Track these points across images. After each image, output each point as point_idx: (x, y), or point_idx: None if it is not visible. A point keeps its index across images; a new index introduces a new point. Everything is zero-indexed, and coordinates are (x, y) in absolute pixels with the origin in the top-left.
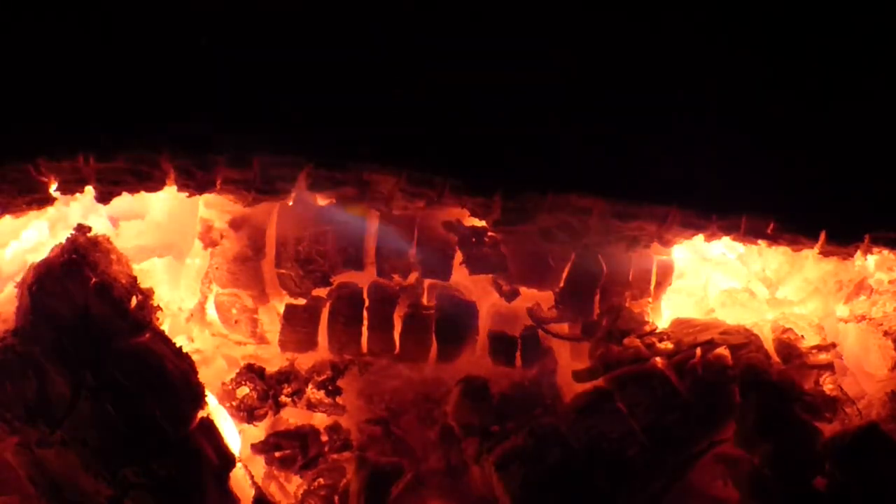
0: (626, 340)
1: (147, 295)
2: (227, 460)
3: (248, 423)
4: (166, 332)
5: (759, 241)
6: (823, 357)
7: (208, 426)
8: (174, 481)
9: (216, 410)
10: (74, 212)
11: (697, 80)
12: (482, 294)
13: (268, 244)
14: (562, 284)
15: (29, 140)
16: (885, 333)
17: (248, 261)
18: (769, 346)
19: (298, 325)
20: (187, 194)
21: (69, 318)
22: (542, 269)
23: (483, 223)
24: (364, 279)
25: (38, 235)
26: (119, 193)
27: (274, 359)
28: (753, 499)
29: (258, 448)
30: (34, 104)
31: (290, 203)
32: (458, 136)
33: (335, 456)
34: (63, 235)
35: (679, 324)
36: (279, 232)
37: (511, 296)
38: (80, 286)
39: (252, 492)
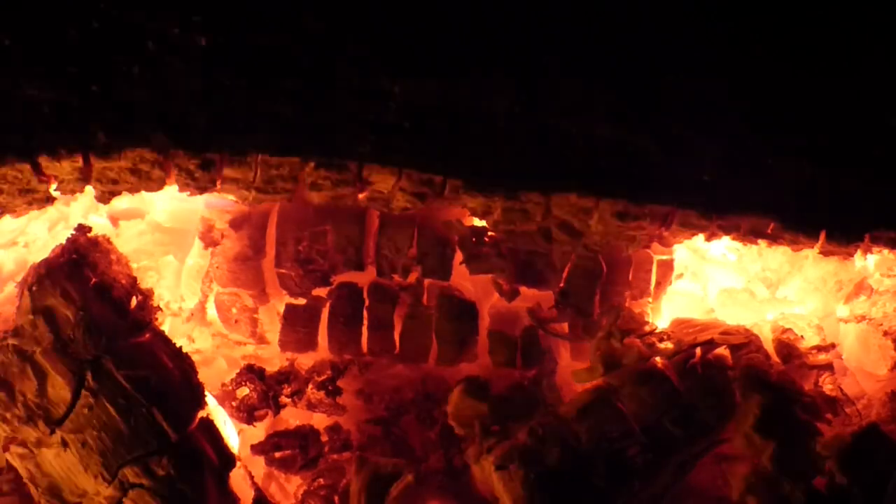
0: (626, 340)
1: (147, 295)
2: (227, 460)
3: (248, 423)
4: (166, 332)
5: (759, 241)
6: (823, 357)
7: (208, 426)
8: (174, 481)
9: (216, 410)
10: (74, 212)
11: (697, 80)
12: (482, 294)
13: (268, 244)
14: (562, 284)
15: (29, 140)
16: (885, 333)
17: (248, 260)
18: (769, 346)
19: (298, 325)
20: (187, 194)
21: (69, 319)
22: (542, 269)
23: (483, 223)
24: (364, 279)
25: (38, 235)
26: (119, 193)
27: (274, 359)
28: (753, 499)
29: (258, 448)
30: (34, 104)
31: (290, 203)
32: (459, 135)
33: (335, 456)
34: (63, 235)
35: (679, 324)
36: (279, 232)
37: (511, 296)
38: (80, 286)
39: (252, 492)
